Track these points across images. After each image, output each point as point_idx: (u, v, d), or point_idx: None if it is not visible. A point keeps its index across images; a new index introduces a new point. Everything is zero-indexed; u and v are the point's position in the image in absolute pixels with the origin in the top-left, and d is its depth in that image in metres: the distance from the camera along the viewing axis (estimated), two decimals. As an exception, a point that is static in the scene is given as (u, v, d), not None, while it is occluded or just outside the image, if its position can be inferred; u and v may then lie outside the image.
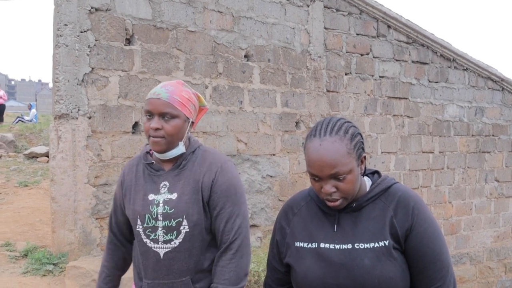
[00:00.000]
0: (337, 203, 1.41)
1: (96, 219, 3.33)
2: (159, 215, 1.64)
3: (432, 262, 1.40)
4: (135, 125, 3.50)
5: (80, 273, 3.08)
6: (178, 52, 3.67)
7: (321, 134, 1.41)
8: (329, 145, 1.38)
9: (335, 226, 1.47)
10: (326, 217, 1.50)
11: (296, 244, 1.50)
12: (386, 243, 1.41)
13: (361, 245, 1.41)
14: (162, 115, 1.62)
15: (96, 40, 3.30)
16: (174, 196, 1.65)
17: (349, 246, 1.42)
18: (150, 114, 1.62)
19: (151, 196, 1.67)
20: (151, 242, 1.66)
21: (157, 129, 1.61)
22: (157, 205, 1.65)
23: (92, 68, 3.29)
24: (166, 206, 1.65)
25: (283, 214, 1.60)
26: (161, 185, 1.67)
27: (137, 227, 1.67)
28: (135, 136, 3.50)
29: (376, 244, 1.41)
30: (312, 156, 1.39)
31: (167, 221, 1.63)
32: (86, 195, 3.28)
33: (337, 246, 1.43)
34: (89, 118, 3.29)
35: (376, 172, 1.56)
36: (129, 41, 3.47)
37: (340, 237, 1.45)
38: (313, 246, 1.46)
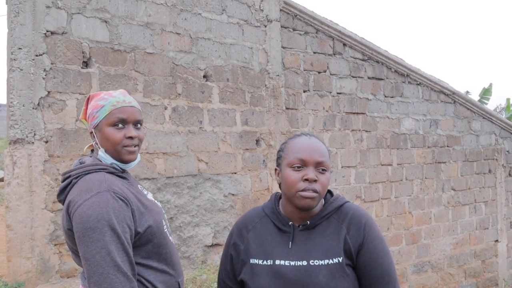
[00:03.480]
0: (314, 194, 1.45)
1: (55, 245, 3.27)
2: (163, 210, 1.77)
3: (381, 277, 1.47)
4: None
5: (38, 301, 3.00)
6: (137, 74, 3.68)
7: (307, 135, 1.55)
8: (318, 141, 1.54)
9: (290, 243, 1.51)
10: (281, 234, 1.54)
11: (251, 261, 1.53)
12: (340, 260, 1.46)
13: (316, 262, 1.46)
14: (135, 123, 1.65)
15: (52, 64, 3.28)
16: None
17: (304, 263, 1.47)
18: (123, 122, 1.62)
19: (150, 196, 1.75)
20: (170, 237, 1.72)
21: (132, 137, 1.63)
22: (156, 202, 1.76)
23: (48, 92, 3.26)
24: (158, 202, 1.78)
25: (237, 231, 1.62)
26: (140, 187, 1.73)
27: (164, 228, 1.68)
28: (94, 159, 3.47)
29: (331, 261, 1.46)
30: (301, 144, 1.50)
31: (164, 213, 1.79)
32: (43, 221, 3.22)
33: (293, 263, 1.47)
34: (46, 142, 3.24)
35: (328, 191, 1.62)
36: (86, 64, 3.46)
37: (295, 254, 1.49)
38: (269, 263, 1.50)
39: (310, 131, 4.83)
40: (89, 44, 3.45)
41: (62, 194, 1.58)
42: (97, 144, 1.64)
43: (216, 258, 4.06)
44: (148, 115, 3.69)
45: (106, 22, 3.53)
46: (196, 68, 4.02)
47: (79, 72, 3.40)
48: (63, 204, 1.59)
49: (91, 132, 1.65)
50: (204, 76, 4.08)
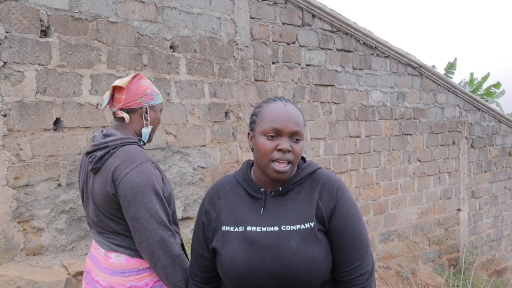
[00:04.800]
0: (287, 167, 1.43)
1: (19, 222, 3.16)
2: None
3: (353, 242, 1.47)
4: (57, 121, 3.34)
5: (3, 281, 2.90)
6: (100, 44, 3.53)
7: (283, 100, 1.50)
8: (293, 107, 1.49)
9: (262, 209, 1.49)
10: (253, 201, 1.52)
11: (223, 228, 1.50)
12: (312, 225, 1.45)
13: (288, 227, 1.45)
14: None
15: (7, 32, 3.09)
16: None
17: (276, 228, 1.45)
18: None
19: None
20: None
21: None
22: None
23: (5, 63, 3.09)
24: None
25: (208, 199, 1.59)
26: None
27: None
28: (57, 133, 3.33)
29: (302, 226, 1.45)
30: (277, 111, 1.45)
31: None
32: (5, 198, 3.09)
33: (264, 229, 1.46)
34: (4, 116, 3.09)
35: (301, 157, 1.61)
36: (45, 33, 3.29)
37: (267, 220, 1.47)
38: (240, 230, 1.47)
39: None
40: (47, 12, 3.27)
41: (100, 162, 1.79)
42: (146, 120, 1.93)
43: (186, 231, 4.03)
44: (112, 87, 3.57)
45: (65, -12, 3.34)
46: (162, 39, 3.90)
47: (38, 42, 3.23)
48: (96, 172, 1.80)
49: (144, 108, 1.92)
50: (170, 47, 3.96)
